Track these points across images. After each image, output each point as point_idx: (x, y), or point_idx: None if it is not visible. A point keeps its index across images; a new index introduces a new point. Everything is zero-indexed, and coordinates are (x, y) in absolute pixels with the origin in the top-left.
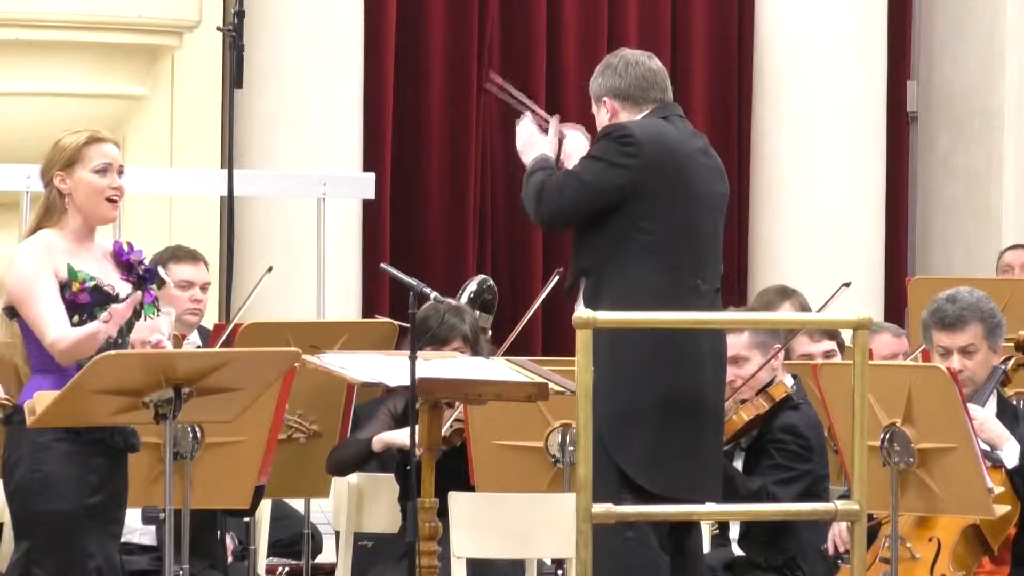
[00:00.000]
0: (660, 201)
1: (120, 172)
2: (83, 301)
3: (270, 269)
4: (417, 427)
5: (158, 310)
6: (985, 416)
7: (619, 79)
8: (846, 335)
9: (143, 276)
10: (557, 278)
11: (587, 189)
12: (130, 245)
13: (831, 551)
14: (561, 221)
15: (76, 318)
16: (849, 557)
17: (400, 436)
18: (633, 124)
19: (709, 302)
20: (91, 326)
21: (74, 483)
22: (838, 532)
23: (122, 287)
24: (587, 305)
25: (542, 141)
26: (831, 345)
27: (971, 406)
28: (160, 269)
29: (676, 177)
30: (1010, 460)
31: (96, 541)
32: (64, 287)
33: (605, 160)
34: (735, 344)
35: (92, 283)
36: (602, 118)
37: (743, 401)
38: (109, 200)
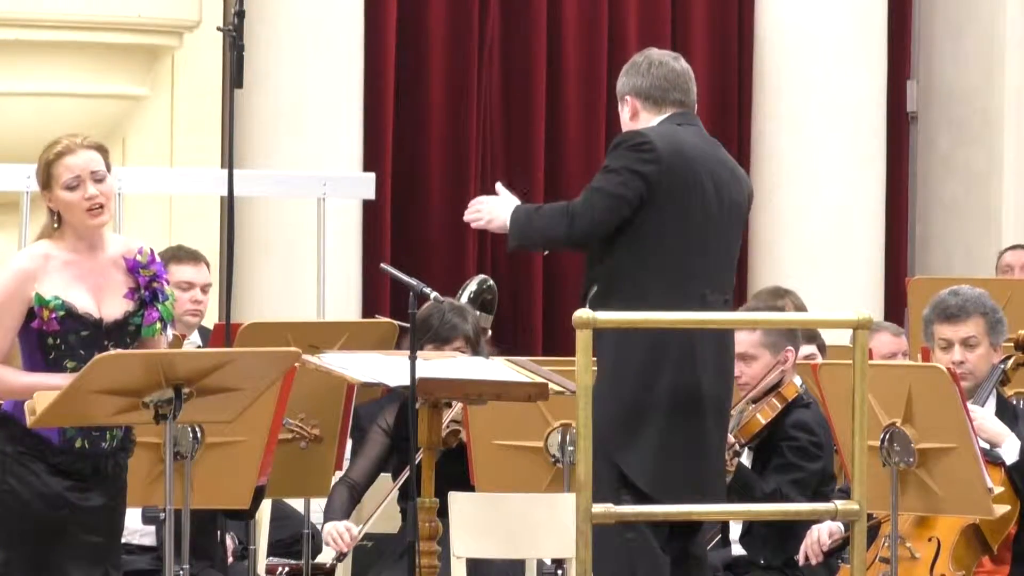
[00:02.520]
0: (673, 206)
1: (97, 179)
2: (52, 329)
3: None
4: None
5: (164, 328)
6: (983, 414)
7: (641, 78)
8: (844, 335)
9: (145, 299)
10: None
11: (615, 201)
12: (152, 255)
13: (801, 562)
14: (594, 237)
15: (51, 340)
16: (849, 557)
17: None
18: (649, 130)
19: (715, 311)
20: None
21: (38, 497)
22: (810, 544)
23: (113, 308)
24: (594, 308)
25: (506, 196)
26: (811, 349)
27: (969, 405)
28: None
29: (691, 183)
30: (1009, 456)
31: (72, 559)
32: (33, 315)
33: (626, 170)
34: (745, 341)
35: (62, 311)
36: (624, 117)
37: (754, 402)
38: (89, 211)
